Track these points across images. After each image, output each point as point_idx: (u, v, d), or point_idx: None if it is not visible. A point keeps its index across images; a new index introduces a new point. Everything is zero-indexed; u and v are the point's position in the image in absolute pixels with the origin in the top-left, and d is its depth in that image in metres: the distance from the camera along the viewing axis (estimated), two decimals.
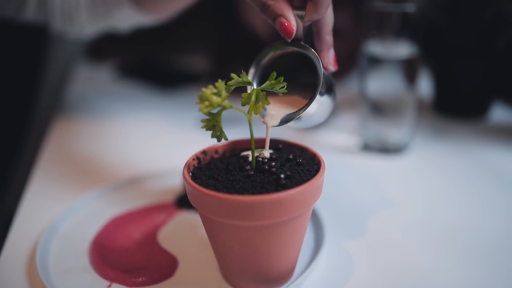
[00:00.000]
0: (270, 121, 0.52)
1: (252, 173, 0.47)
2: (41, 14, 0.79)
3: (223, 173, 0.49)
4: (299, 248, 0.51)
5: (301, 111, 0.51)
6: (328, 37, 0.52)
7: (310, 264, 0.53)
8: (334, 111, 0.55)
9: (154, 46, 1.24)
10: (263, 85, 0.49)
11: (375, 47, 0.76)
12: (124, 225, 0.60)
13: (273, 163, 0.49)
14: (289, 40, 0.51)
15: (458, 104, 0.93)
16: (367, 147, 0.81)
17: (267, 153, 0.51)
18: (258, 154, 0.51)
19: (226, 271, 0.51)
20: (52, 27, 0.82)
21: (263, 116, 0.52)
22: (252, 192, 0.45)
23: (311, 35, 0.52)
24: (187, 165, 0.50)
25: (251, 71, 0.53)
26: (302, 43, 0.52)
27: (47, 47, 1.20)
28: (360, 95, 0.80)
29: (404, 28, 0.75)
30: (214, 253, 0.51)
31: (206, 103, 0.45)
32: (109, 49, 1.24)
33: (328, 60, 0.52)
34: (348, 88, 1.05)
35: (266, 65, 0.54)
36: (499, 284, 0.52)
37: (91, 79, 1.15)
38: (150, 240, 0.58)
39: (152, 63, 1.19)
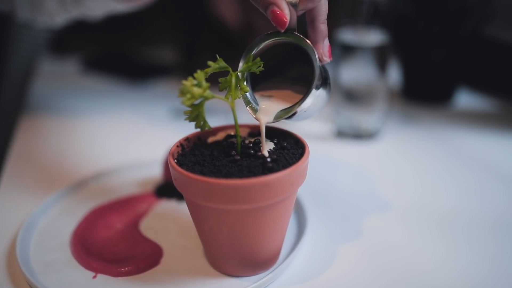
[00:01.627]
0: (264, 118, 0.50)
1: (238, 157, 0.48)
2: (5, 3, 0.77)
3: (209, 159, 0.49)
4: (285, 231, 0.51)
5: (297, 106, 0.48)
6: (323, 27, 0.49)
7: (294, 248, 0.54)
8: (328, 103, 0.54)
9: (120, 38, 1.22)
10: (241, 68, 0.49)
11: (348, 35, 0.77)
12: (105, 216, 0.60)
13: (258, 148, 0.49)
14: (282, 31, 0.48)
15: (425, 91, 0.96)
16: (341, 134, 0.82)
17: (265, 152, 0.48)
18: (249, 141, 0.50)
19: (213, 257, 0.51)
20: (18, 16, 0.78)
21: (255, 112, 0.50)
22: (239, 176, 0.45)
23: (303, 24, 0.49)
24: (171, 153, 0.49)
25: (241, 63, 0.50)
26: (296, 33, 0.48)
27: (9, 41, 1.16)
28: (333, 83, 0.81)
29: (375, 16, 0.76)
30: (201, 239, 0.51)
31: (188, 95, 0.45)
32: (73, 42, 1.21)
33: (323, 51, 0.48)
34: None
35: (256, 57, 0.50)
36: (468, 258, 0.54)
37: (56, 74, 1.12)
38: (133, 229, 0.58)
39: (116, 54, 1.17)
